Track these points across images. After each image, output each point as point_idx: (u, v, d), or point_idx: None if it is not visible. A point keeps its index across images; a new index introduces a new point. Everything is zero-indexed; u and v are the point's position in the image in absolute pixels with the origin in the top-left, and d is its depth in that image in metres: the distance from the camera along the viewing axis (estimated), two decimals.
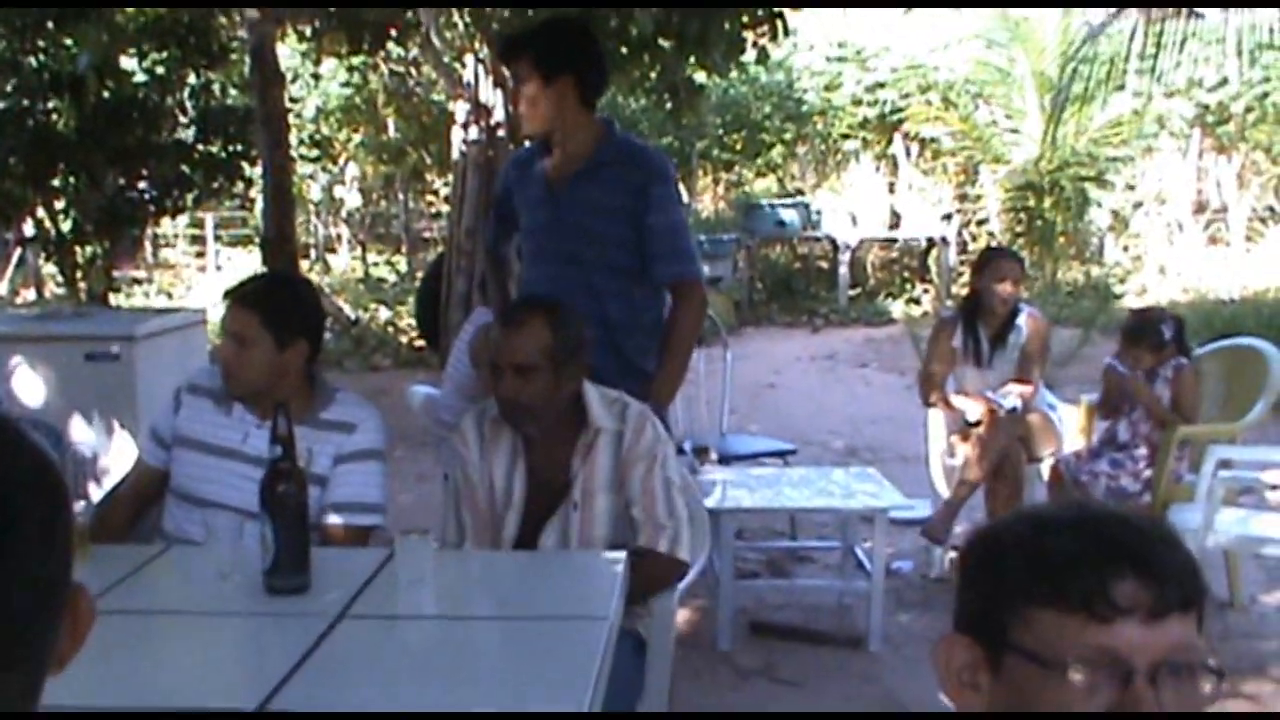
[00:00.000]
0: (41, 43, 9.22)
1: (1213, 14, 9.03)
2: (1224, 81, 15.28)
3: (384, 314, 14.41)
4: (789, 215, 15.60)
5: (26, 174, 9.53)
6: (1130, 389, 5.43)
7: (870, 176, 16.95)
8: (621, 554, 3.02)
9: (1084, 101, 13.01)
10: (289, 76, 12.68)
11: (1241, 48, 9.40)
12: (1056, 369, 8.10)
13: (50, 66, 9.29)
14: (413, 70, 15.10)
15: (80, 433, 5.62)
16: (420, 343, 12.09)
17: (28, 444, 1.03)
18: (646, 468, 3.20)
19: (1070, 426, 5.90)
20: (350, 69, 15.51)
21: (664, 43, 7.53)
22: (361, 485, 3.26)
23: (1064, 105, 12.76)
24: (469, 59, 10.25)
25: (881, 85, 17.41)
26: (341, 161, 18.85)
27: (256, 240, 13.43)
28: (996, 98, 16.37)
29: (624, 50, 7.56)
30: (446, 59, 10.73)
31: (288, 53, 12.92)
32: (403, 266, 18.48)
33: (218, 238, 19.00)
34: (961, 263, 14.86)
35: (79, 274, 10.49)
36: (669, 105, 8.92)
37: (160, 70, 10.08)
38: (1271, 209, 16.90)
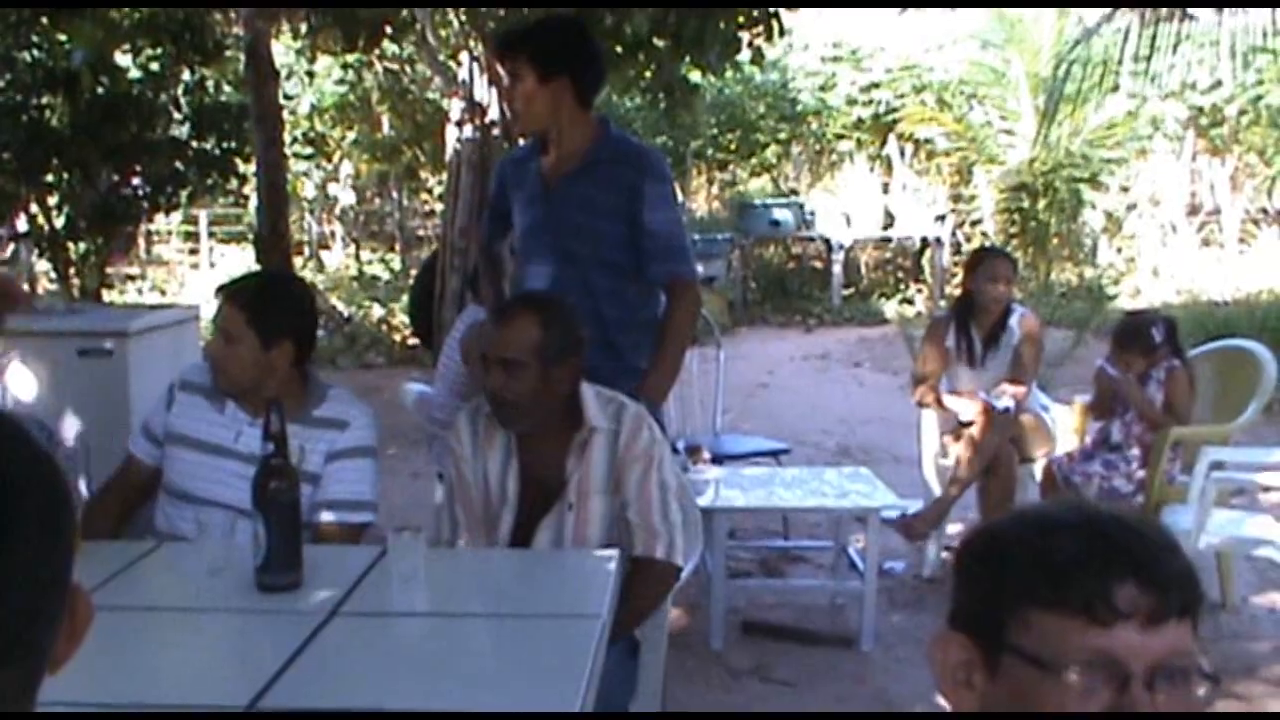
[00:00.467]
0: (36, 38, 9.21)
1: (1206, 16, 9.03)
2: (1218, 84, 15.32)
3: (377, 311, 14.40)
4: (783, 215, 15.62)
5: (20, 170, 9.51)
6: (1124, 392, 5.43)
7: (864, 177, 16.98)
8: (614, 553, 3.02)
9: (1078, 103, 13.00)
10: (283, 74, 12.64)
11: (1235, 50, 9.40)
12: (1050, 370, 8.09)
13: (45, 62, 9.28)
14: (407, 68, 15.09)
15: (72, 429, 5.61)
16: (414, 340, 12.08)
17: (28, 441, 1.02)
18: (643, 470, 3.19)
19: (1063, 427, 5.90)
20: (345, 67, 15.51)
21: (659, 42, 7.54)
22: (353, 483, 3.26)
23: (1058, 107, 12.76)
24: (464, 57, 10.23)
25: (876, 86, 17.44)
26: (336, 159, 18.85)
27: (250, 237, 13.40)
28: (991, 99, 16.41)
29: (619, 49, 7.56)
30: (441, 57, 10.71)
31: (282, 50, 12.91)
32: (396, 264, 18.47)
33: (212, 234, 18.96)
34: (955, 263, 14.87)
35: (72, 270, 10.47)
36: (664, 105, 8.92)
37: (155, 67, 10.07)
38: (1265, 211, 16.95)
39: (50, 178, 9.86)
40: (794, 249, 17.02)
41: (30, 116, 9.40)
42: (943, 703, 1.39)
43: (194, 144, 10.62)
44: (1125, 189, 16.40)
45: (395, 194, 20.16)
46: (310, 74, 16.27)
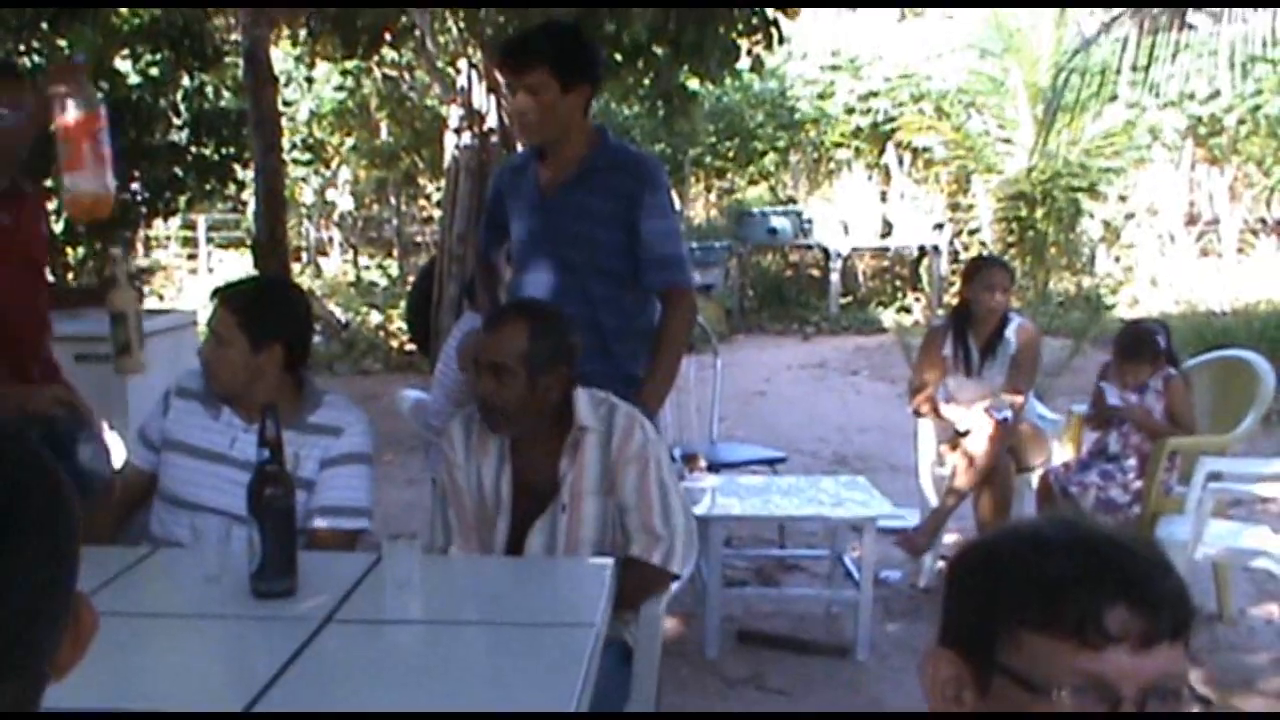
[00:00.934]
0: (36, 43, 9.20)
1: (1205, 26, 9.06)
2: (1216, 94, 15.32)
3: (375, 318, 14.40)
4: (781, 223, 15.63)
5: (20, 174, 9.50)
6: (1131, 419, 5.39)
7: (862, 185, 16.99)
8: (609, 561, 3.01)
9: (1076, 112, 13.03)
10: (282, 80, 12.66)
11: (1234, 60, 9.42)
12: (1048, 379, 8.10)
13: (44, 67, 9.28)
14: (406, 75, 15.09)
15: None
16: (411, 347, 12.08)
17: (32, 450, 1.03)
18: (639, 471, 3.19)
19: (1059, 437, 5.90)
20: (344, 73, 15.52)
21: (658, 49, 7.54)
22: (348, 489, 3.26)
23: (1056, 116, 12.78)
24: (462, 64, 10.25)
25: (874, 94, 17.45)
26: (334, 165, 18.83)
27: (249, 243, 13.40)
28: (989, 108, 16.42)
29: (618, 56, 7.57)
30: (440, 64, 10.73)
31: (281, 56, 12.91)
32: (394, 270, 18.46)
33: (210, 240, 18.96)
34: (953, 272, 14.88)
35: (71, 275, 10.46)
36: (662, 112, 8.93)
37: (154, 72, 10.08)
38: (1263, 221, 16.96)
39: (49, 182, 9.85)
40: (792, 257, 17.04)
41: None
42: None
43: (193, 149, 10.62)
44: (1123, 198, 16.41)
45: (393, 200, 20.15)
46: (309, 80, 16.28)
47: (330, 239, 20.41)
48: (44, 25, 8.66)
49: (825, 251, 15.81)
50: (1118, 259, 16.46)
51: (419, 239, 20.11)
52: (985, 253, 14.28)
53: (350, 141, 17.92)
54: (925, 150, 16.79)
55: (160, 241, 19.52)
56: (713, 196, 20.33)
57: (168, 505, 3.29)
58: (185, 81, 10.43)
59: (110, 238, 10.67)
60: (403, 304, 13.15)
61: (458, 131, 10.23)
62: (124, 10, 9.01)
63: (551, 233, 3.92)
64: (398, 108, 16.38)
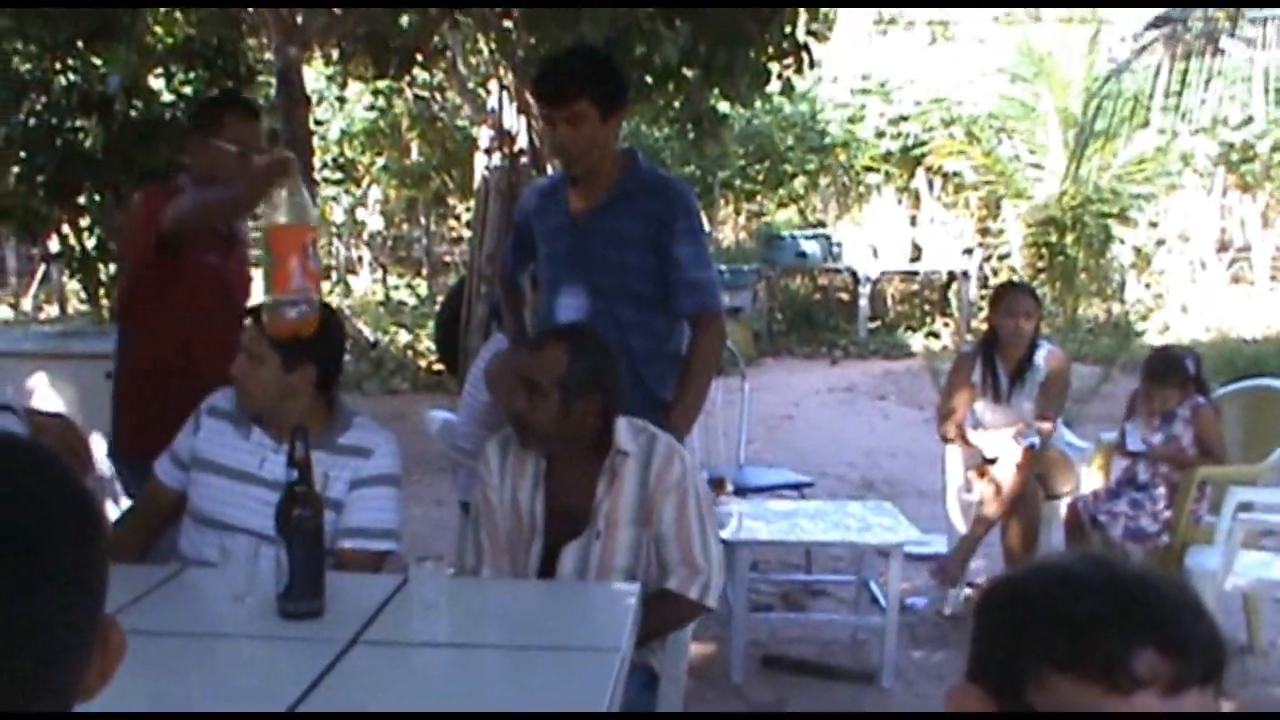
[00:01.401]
0: (72, 62, 9.27)
1: (1239, 52, 9.02)
2: (1249, 120, 15.25)
3: (404, 337, 14.44)
4: (810, 247, 15.62)
5: (53, 191, 9.58)
6: (1155, 459, 5.37)
7: (892, 209, 16.96)
8: (635, 586, 3.01)
9: (1108, 138, 12.98)
10: (314, 99, 12.72)
11: (1268, 86, 9.38)
12: (1076, 406, 8.07)
13: (80, 86, 9.35)
14: (437, 95, 15.15)
15: (99, 451, 5.63)
16: (439, 366, 12.12)
17: (63, 473, 1.03)
18: (678, 502, 3.19)
19: (1088, 464, 5.87)
20: (375, 93, 15.59)
21: (689, 72, 7.54)
22: (377, 510, 3.26)
23: (1087, 141, 12.74)
24: (493, 85, 10.30)
25: (905, 118, 17.42)
26: (364, 185, 18.91)
27: None
28: (1020, 133, 16.37)
29: (649, 79, 7.57)
30: (471, 85, 10.78)
31: (314, 75, 12.98)
32: (423, 290, 18.53)
33: None
34: (982, 297, 14.82)
35: (102, 290, 10.52)
36: (692, 135, 8.93)
37: (188, 91, 10.13)
38: None
39: (82, 199, 9.91)
40: (820, 280, 17.03)
41: (65, 139, 9.46)
42: None
43: None
44: (1154, 225, 16.33)
45: (423, 220, 20.22)
46: (341, 100, 16.35)
47: (360, 258, 20.49)
48: (80, 45, 8.72)
49: (854, 275, 15.79)
50: (1148, 285, 16.39)
51: (448, 258, 20.19)
52: (1015, 278, 14.23)
53: (381, 161, 17.99)
54: (955, 175, 16.76)
55: None
56: (742, 219, 20.35)
57: (196, 524, 3.30)
58: None
59: None
60: (431, 324, 13.20)
61: (488, 152, 10.28)
62: (159, 29, 9.07)
63: (582, 257, 3.92)
64: (429, 128, 16.44)
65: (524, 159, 10.06)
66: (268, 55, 9.78)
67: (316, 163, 12.10)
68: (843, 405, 11.82)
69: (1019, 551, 5.53)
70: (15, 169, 9.55)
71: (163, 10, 8.39)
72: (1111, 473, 5.74)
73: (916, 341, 15.29)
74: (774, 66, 7.54)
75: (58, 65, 9.28)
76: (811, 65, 7.79)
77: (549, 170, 8.90)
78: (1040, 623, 1.29)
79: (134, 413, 4.22)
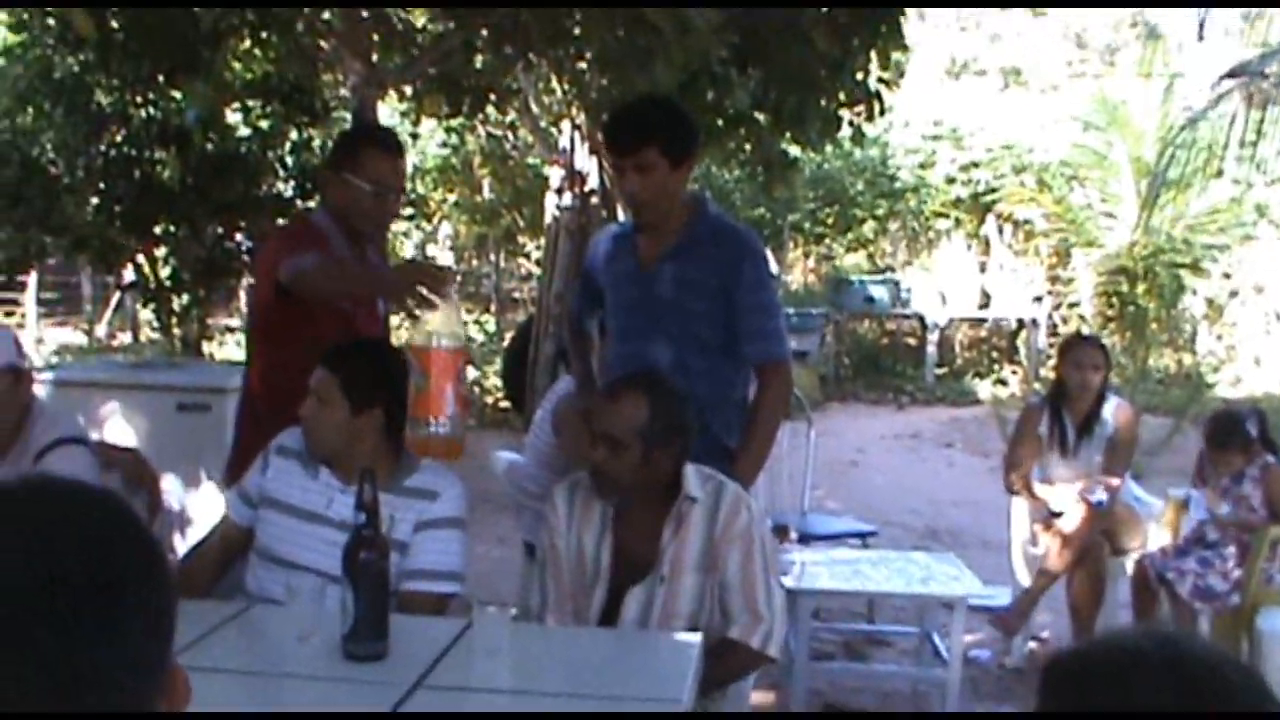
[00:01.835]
0: (151, 96, 9.44)
1: None
2: None
3: (471, 373, 14.51)
4: (878, 292, 15.59)
5: (131, 222, 9.73)
6: (1224, 526, 5.31)
7: (961, 255, 16.88)
8: (697, 637, 3.01)
9: (1181, 188, 12.88)
10: None
11: None
12: (1146, 459, 7.99)
13: (158, 119, 9.51)
14: (509, 134, 15.26)
15: (169, 484, 5.70)
16: (506, 403, 12.17)
17: (132, 520, 1.05)
18: (744, 551, 3.19)
19: (1157, 520, 5.80)
20: (448, 130, 15.71)
21: (760, 117, 7.56)
22: (441, 553, 3.28)
23: (1160, 191, 12.64)
24: (565, 125, 10.37)
25: (976, 165, 17.36)
26: (435, 220, 19.06)
27: None
28: (1092, 181, 16.25)
29: (720, 123, 7.60)
30: (543, 124, 10.85)
31: (387, 112, 13.11)
32: (491, 326, 18.62)
33: None
34: (1051, 345, 14.70)
35: (174, 320, 10.67)
36: (762, 178, 8.94)
37: (264, 125, 10.28)
38: None
39: (159, 230, 10.06)
40: (888, 326, 16.98)
41: (142, 171, 9.63)
42: None
43: (298, 202, 10.79)
44: (1227, 275, 16.13)
45: (493, 257, 20.34)
46: (414, 136, 16.48)
47: None
48: (159, 79, 8.87)
49: (922, 321, 15.74)
50: (1220, 337, 16.19)
51: (516, 295, 20.28)
52: (1084, 329, 14.11)
53: (452, 198, 18.13)
54: (1026, 222, 16.65)
55: None
56: (811, 262, 20.31)
57: (264, 562, 3.33)
58: (294, 135, 10.61)
59: (213, 287, 10.88)
60: (499, 360, 13.26)
61: (559, 192, 10.35)
62: (237, 65, 9.21)
63: (650, 303, 3.93)
64: (500, 166, 16.55)
65: (595, 199, 10.11)
66: (343, 91, 9.92)
67: None
68: (908, 452, 11.76)
69: (1084, 607, 5.47)
70: (94, 199, 9.73)
71: (242, 47, 8.52)
72: (1181, 529, 5.67)
73: (984, 389, 15.19)
74: (845, 113, 7.55)
75: (138, 99, 9.45)
76: (882, 113, 7.78)
77: (619, 212, 8.95)
78: (1102, 703, 1.28)
79: (251, 442, 4.24)
